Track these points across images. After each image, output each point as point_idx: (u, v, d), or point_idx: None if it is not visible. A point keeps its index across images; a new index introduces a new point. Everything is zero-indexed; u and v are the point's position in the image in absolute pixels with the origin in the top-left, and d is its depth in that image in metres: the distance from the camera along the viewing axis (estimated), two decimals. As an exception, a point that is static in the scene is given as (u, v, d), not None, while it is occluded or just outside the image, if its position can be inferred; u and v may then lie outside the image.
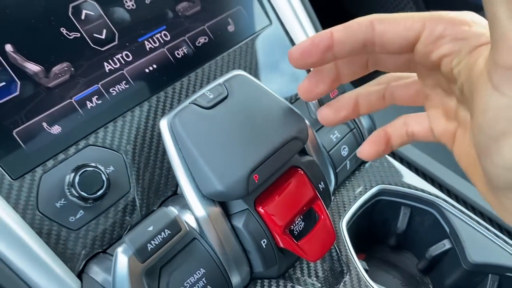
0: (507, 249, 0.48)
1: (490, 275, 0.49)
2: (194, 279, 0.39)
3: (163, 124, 0.40)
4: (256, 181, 0.39)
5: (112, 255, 0.39)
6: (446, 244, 0.51)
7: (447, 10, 0.28)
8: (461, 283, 0.51)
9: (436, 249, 0.52)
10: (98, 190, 0.39)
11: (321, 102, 0.48)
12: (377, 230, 0.56)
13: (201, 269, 0.39)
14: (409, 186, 0.52)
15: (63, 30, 0.43)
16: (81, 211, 0.40)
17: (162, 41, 0.48)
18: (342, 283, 0.45)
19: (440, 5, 1.24)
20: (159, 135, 0.45)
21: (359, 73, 0.35)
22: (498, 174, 0.23)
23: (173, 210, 0.38)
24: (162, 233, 0.36)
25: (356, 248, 0.51)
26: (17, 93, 0.40)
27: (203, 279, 0.39)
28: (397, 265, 0.56)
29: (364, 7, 1.44)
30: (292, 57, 0.32)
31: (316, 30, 0.58)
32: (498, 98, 0.21)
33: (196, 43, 0.50)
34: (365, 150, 0.37)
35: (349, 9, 1.50)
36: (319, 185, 0.45)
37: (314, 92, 0.35)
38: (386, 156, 0.55)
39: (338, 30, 0.30)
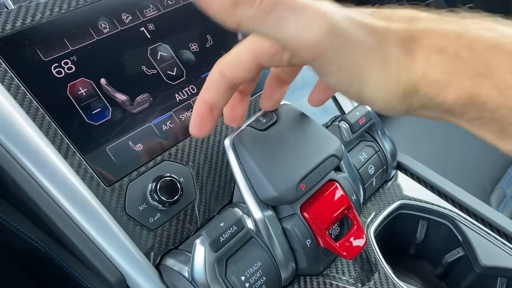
0: (513, 255, 0.56)
1: (499, 277, 0.56)
2: (253, 269, 0.47)
3: (227, 142, 0.49)
4: (303, 189, 0.47)
5: (183, 251, 0.48)
6: (459, 252, 0.59)
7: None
8: (474, 286, 0.58)
9: (451, 256, 0.59)
10: (175, 195, 0.48)
11: (352, 129, 0.58)
12: (398, 241, 0.64)
13: (258, 262, 0.47)
14: (426, 202, 0.61)
15: (143, 67, 0.53)
16: (158, 214, 0.49)
17: (219, 77, 0.58)
18: (372, 280, 0.52)
19: None
20: (219, 152, 0.54)
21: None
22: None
23: (238, 210, 0.46)
24: (231, 228, 0.44)
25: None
26: (109, 117, 0.49)
27: (260, 271, 0.47)
28: (417, 272, 0.63)
29: None
30: (195, 134, 0.38)
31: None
32: None
33: (246, 79, 0.60)
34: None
35: None
36: (352, 196, 0.54)
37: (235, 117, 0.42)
38: (405, 176, 0.64)
39: (208, 95, 0.36)
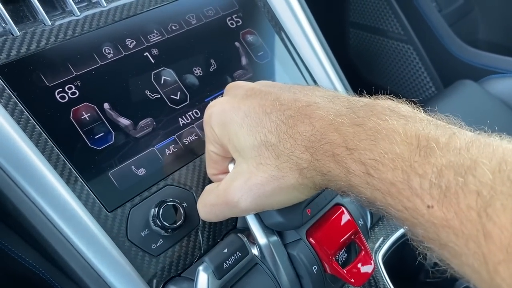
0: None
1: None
2: (258, 297, 0.45)
3: (231, 167, 0.48)
4: (309, 214, 0.46)
5: (186, 278, 0.47)
6: (471, 278, 0.57)
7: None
8: (488, 314, 0.56)
9: (462, 283, 0.57)
10: (178, 221, 0.47)
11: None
12: (408, 267, 0.62)
13: (263, 289, 0.46)
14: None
15: (147, 92, 0.53)
16: (161, 240, 0.48)
17: (223, 101, 0.58)
18: (381, 309, 0.51)
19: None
20: (223, 177, 0.53)
21: None
22: None
23: (242, 236, 0.45)
24: (235, 254, 0.43)
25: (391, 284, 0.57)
26: (112, 141, 0.49)
27: (265, 299, 0.46)
28: (428, 300, 0.62)
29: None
30: None
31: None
32: None
33: (250, 103, 0.60)
34: None
35: (363, 73, 1.62)
36: (359, 221, 0.53)
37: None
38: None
39: None
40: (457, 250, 0.25)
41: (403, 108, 0.33)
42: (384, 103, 0.33)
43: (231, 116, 0.39)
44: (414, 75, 1.44)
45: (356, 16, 1.53)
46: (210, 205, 0.43)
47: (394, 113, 0.32)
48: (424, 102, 1.29)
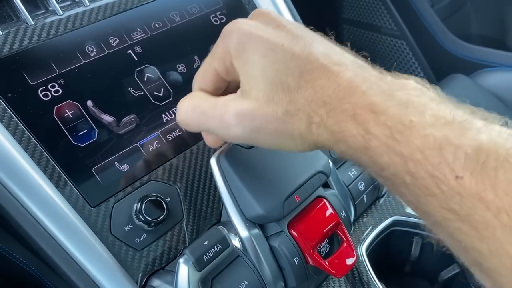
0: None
1: (496, 294, 0.55)
2: (240, 289, 0.46)
3: (213, 161, 0.49)
4: (298, 200, 0.47)
5: (170, 271, 0.47)
6: (455, 268, 0.58)
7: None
8: (472, 304, 0.57)
9: (447, 273, 0.58)
10: (160, 215, 0.48)
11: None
12: (394, 259, 0.63)
13: (245, 281, 0.47)
14: (419, 217, 0.60)
15: (130, 89, 0.54)
16: (144, 234, 0.48)
17: (207, 97, 0.58)
18: (364, 299, 0.51)
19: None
20: (207, 172, 0.54)
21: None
22: None
23: (223, 229, 0.46)
24: (215, 246, 0.44)
25: (376, 275, 0.58)
26: (95, 138, 0.50)
27: (247, 290, 0.46)
28: (413, 291, 0.62)
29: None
30: None
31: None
32: None
33: (234, 98, 0.60)
34: None
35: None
36: (341, 213, 0.53)
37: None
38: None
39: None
40: (482, 221, 0.26)
41: (433, 92, 0.32)
42: (415, 84, 0.33)
43: (256, 43, 0.36)
44: (408, 70, 1.45)
45: (350, 13, 1.54)
46: (199, 111, 0.39)
47: (425, 93, 0.31)
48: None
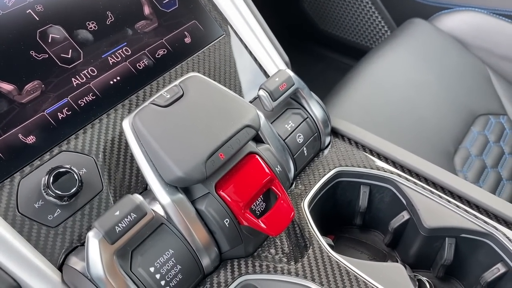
0: (459, 213, 0.52)
1: (446, 238, 0.52)
2: (164, 259, 0.42)
3: (125, 123, 0.44)
4: (222, 158, 0.43)
5: (89, 247, 0.43)
6: (405, 216, 0.55)
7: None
8: (423, 250, 0.54)
9: (396, 221, 0.55)
10: (72, 188, 0.43)
11: (272, 96, 0.53)
12: (343, 212, 0.60)
13: (170, 250, 0.43)
14: (365, 166, 0.57)
15: (32, 52, 0.48)
16: (58, 209, 0.44)
17: (124, 56, 0.53)
18: (306, 256, 0.48)
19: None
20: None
21: None
22: None
23: (138, 197, 0.42)
24: (129, 216, 0.40)
25: (325, 230, 0.55)
26: (-7, 110, 0.45)
27: (173, 259, 0.43)
28: (365, 243, 0.59)
29: (327, 17, 1.51)
30: None
31: (267, 36, 0.63)
32: None
33: (156, 55, 0.55)
34: None
35: (318, 24, 1.57)
36: (276, 168, 0.50)
37: None
38: (342, 141, 0.60)
39: None
40: None
41: None
42: None
43: None
44: (368, 20, 1.40)
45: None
46: None
47: None
48: (377, 45, 1.25)
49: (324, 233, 0.54)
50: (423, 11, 1.21)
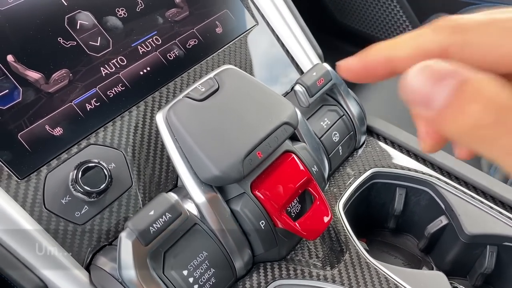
0: (502, 220, 0.50)
1: (488, 246, 0.50)
2: (197, 261, 0.40)
3: (159, 117, 0.42)
4: (260, 157, 0.41)
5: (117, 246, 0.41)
6: (443, 221, 0.52)
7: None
8: (461, 257, 0.52)
9: (433, 226, 0.53)
10: (101, 184, 0.41)
11: (309, 92, 0.51)
12: (376, 214, 0.57)
13: (204, 252, 0.41)
14: (402, 167, 0.54)
15: (60, 39, 0.46)
16: (86, 206, 0.42)
17: (154, 45, 0.50)
18: (342, 262, 0.46)
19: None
20: (157, 132, 0.47)
21: None
22: None
23: (173, 195, 0.40)
24: (164, 216, 0.38)
25: (357, 233, 0.53)
26: (20, 99, 0.42)
27: (206, 262, 0.41)
28: (398, 247, 0.57)
29: (350, 13, 1.48)
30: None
31: (301, 27, 0.61)
32: None
33: (187, 46, 0.52)
34: None
35: (337, 16, 1.54)
36: (313, 168, 0.47)
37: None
38: (377, 141, 0.57)
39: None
40: None
41: None
42: None
43: None
44: (390, 14, 1.36)
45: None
46: (497, 105, 0.20)
47: None
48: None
49: (357, 236, 0.51)
50: (447, 7, 1.18)
